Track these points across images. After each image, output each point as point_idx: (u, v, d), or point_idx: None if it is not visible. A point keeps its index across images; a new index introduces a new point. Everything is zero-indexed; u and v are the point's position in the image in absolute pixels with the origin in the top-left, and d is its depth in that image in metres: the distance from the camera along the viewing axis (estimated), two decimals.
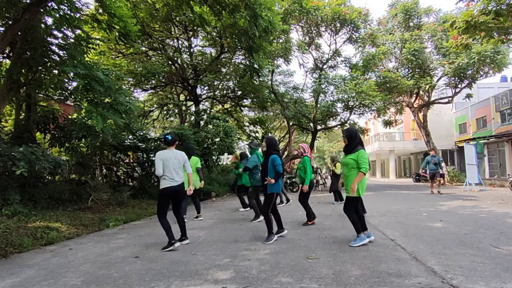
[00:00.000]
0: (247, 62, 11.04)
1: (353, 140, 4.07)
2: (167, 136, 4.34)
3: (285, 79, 19.86)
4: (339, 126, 18.09)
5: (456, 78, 17.41)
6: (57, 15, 6.20)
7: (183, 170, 4.36)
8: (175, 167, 4.18)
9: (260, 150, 6.25)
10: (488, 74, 17.08)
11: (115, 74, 7.45)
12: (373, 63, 16.21)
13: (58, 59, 6.37)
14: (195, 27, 12.52)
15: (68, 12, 6.22)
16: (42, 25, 6.36)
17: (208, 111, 16.28)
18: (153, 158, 10.53)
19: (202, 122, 12.94)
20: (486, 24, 8.30)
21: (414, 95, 20.09)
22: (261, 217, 5.90)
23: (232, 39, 10.65)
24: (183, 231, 4.37)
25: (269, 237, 4.34)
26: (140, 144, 10.06)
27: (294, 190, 14.59)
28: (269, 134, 22.47)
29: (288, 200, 8.83)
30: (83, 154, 8.79)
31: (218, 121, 11.88)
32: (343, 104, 15.72)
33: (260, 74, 11.29)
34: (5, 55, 6.98)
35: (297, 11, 14.14)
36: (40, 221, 5.32)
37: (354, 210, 4.05)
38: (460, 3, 8.91)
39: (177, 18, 11.68)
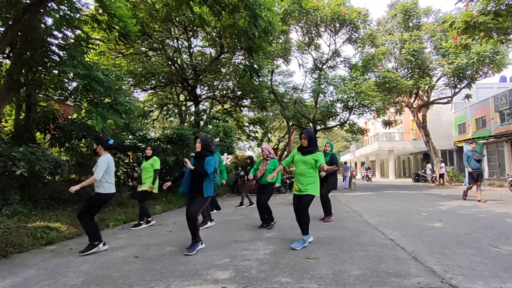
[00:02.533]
0: (247, 62, 11.07)
1: (314, 141, 4.18)
2: (110, 141, 4.28)
3: (284, 79, 19.92)
4: (338, 126, 18.11)
5: (456, 78, 17.43)
6: (57, 16, 6.21)
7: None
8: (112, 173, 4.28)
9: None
10: (487, 74, 17.11)
11: (115, 74, 7.47)
12: (372, 63, 16.24)
13: (58, 59, 6.39)
14: (195, 28, 12.53)
15: (68, 12, 6.24)
16: (42, 26, 6.37)
17: (207, 111, 16.33)
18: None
19: (201, 122, 12.96)
20: (486, 24, 8.32)
21: (414, 95, 20.12)
22: (210, 223, 5.77)
23: (232, 39, 10.66)
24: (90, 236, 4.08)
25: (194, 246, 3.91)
26: (140, 144, 10.07)
27: None
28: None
29: (251, 203, 8.71)
30: (83, 154, 8.78)
31: (217, 121, 11.89)
32: (342, 104, 15.74)
33: (259, 74, 11.32)
34: (5, 55, 6.98)
35: (296, 12, 14.16)
36: (40, 221, 5.33)
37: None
38: (460, 3, 8.93)
39: (177, 18, 11.69)
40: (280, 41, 14.57)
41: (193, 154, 5.96)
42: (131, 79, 13.02)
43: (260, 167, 5.54)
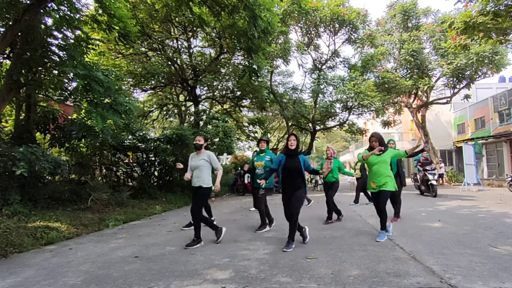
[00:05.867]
0: (246, 63, 11.05)
1: (384, 141, 4.53)
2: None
3: (284, 79, 19.93)
4: (337, 127, 18.11)
5: (455, 79, 17.44)
6: (57, 16, 6.21)
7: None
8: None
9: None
10: (486, 74, 17.12)
11: (114, 75, 7.46)
12: (371, 64, 16.25)
13: (58, 59, 6.37)
14: (194, 28, 12.54)
15: (68, 12, 6.24)
16: (42, 26, 6.36)
17: (207, 112, 16.31)
18: (152, 158, 10.57)
19: (201, 123, 12.96)
20: (485, 24, 8.32)
21: (413, 96, 20.13)
22: (268, 227, 5.36)
23: (231, 39, 10.67)
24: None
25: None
26: (139, 144, 10.08)
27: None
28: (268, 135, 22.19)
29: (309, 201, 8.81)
30: (83, 154, 8.79)
31: (217, 121, 11.90)
32: (341, 104, 15.77)
33: (259, 74, 11.30)
34: (5, 56, 6.98)
35: (296, 12, 14.18)
36: (40, 221, 5.33)
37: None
38: (459, 3, 8.96)
39: (177, 18, 11.70)
40: (280, 41, 14.57)
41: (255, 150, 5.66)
42: (131, 79, 13.01)
43: (325, 166, 5.87)
